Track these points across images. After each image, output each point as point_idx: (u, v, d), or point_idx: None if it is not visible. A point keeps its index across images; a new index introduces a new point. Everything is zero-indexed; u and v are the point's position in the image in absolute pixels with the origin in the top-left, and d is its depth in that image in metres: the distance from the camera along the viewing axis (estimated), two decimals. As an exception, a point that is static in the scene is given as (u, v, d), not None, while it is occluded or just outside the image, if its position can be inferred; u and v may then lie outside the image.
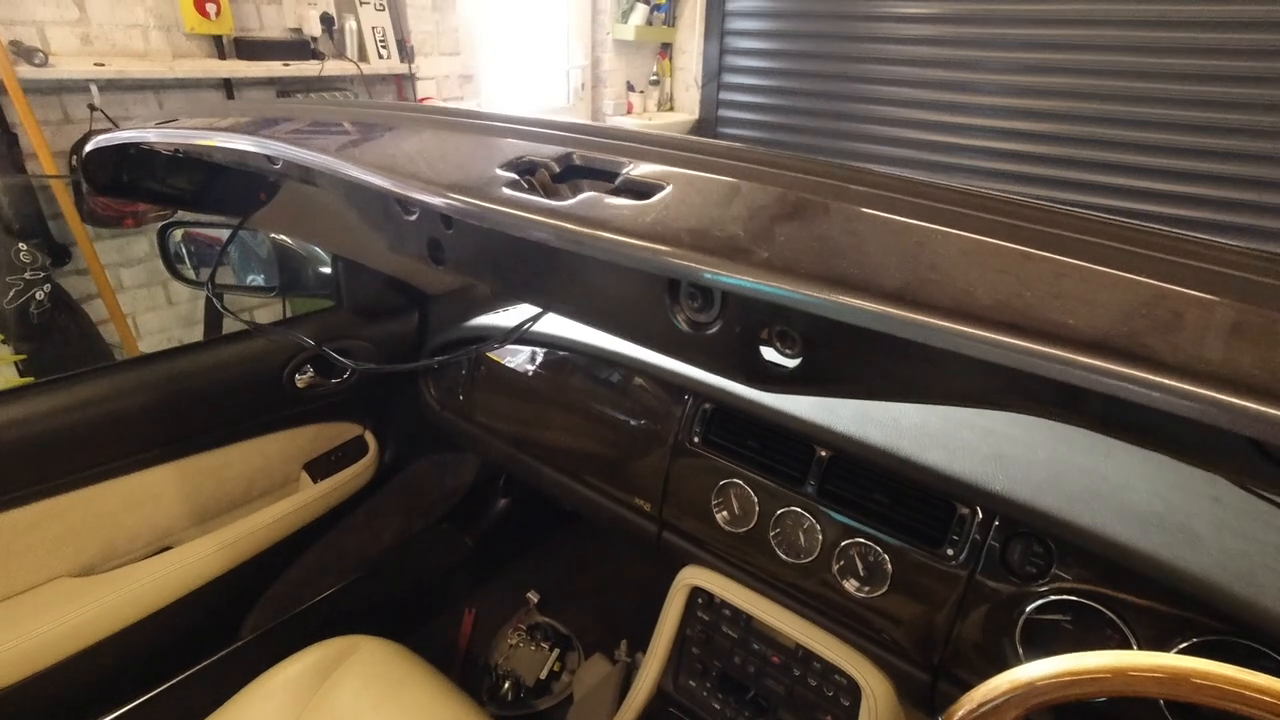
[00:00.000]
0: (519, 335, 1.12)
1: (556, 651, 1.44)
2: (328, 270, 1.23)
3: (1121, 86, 3.01)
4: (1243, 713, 0.38)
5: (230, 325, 2.43)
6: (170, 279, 2.58)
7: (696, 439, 0.98)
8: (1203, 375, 0.23)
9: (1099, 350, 0.25)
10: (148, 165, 0.85)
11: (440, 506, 1.56)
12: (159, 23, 2.34)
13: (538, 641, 1.47)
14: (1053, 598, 0.73)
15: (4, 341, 2.11)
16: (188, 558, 1.07)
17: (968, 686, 0.55)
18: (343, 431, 1.34)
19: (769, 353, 0.44)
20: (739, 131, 4.36)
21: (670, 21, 4.32)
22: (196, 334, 2.72)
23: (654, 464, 1.03)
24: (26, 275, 2.06)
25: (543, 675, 1.40)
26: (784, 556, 0.91)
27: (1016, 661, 0.74)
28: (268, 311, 2.74)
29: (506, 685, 1.38)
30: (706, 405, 0.98)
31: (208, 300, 2.61)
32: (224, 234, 1.21)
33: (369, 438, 1.37)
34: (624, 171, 0.42)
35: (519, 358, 1.22)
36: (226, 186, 0.92)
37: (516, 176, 0.43)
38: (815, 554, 0.88)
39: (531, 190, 0.41)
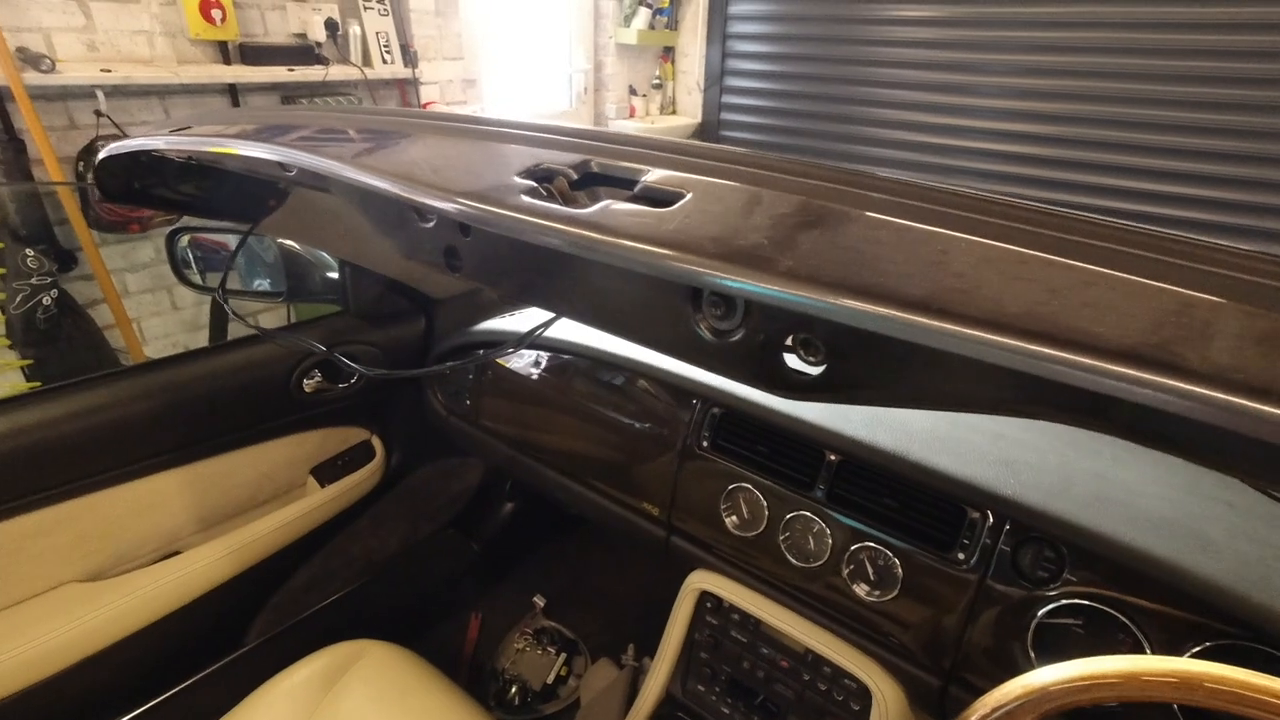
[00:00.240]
0: (531, 341, 1.12)
1: (563, 656, 1.44)
2: (334, 275, 1.23)
3: (1123, 89, 3.02)
4: (1258, 718, 0.38)
5: (236, 330, 2.44)
6: (175, 284, 2.59)
7: (705, 443, 0.98)
8: (1236, 384, 0.23)
9: (1131, 359, 0.25)
10: (159, 172, 0.86)
11: (446, 511, 1.56)
12: (164, 29, 2.35)
13: (544, 646, 1.46)
14: (1064, 602, 0.72)
15: (10, 347, 2.12)
16: (195, 563, 1.07)
17: (979, 691, 0.55)
18: (349, 436, 1.34)
19: (792, 360, 0.43)
20: (741, 135, 4.37)
21: (672, 25, 4.33)
22: (201, 339, 2.72)
23: (662, 468, 1.03)
24: (33, 281, 2.07)
25: (549, 680, 1.40)
26: (793, 561, 0.90)
27: (1028, 666, 0.74)
28: (271, 316, 2.74)
29: (513, 690, 1.38)
30: (715, 409, 0.98)
31: (213, 305, 2.62)
32: (230, 239, 1.21)
33: (375, 442, 1.37)
34: (642, 179, 0.42)
35: (525, 362, 1.22)
36: (236, 193, 0.92)
37: (535, 184, 0.43)
38: (825, 558, 0.88)
39: (550, 198, 0.41)
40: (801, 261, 0.32)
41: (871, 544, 0.84)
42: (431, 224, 0.55)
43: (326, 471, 1.29)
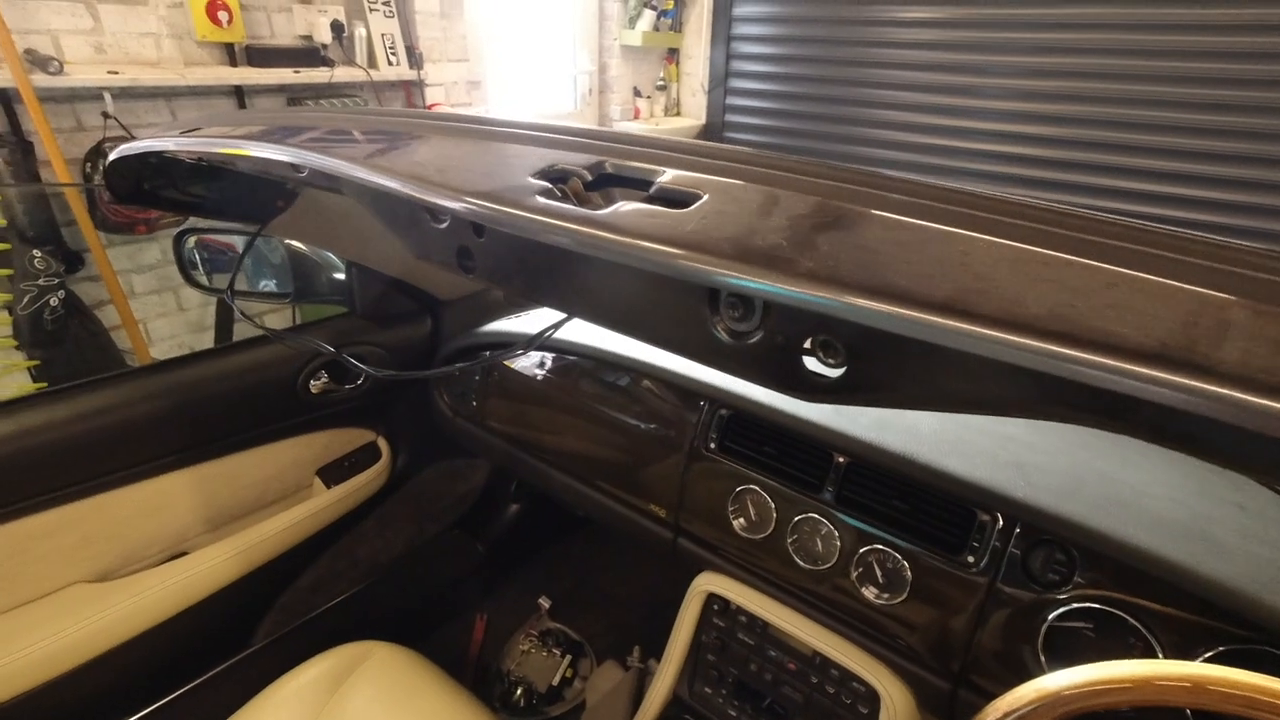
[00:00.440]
0: (540, 342, 1.12)
1: (568, 658, 1.44)
2: (341, 276, 1.23)
3: (1126, 90, 3.01)
4: None
5: (241, 331, 2.44)
6: (181, 285, 2.60)
7: (713, 445, 0.98)
8: (1262, 385, 0.23)
9: (1156, 361, 0.25)
10: (168, 173, 0.86)
11: (452, 512, 1.56)
12: (171, 31, 2.36)
13: (549, 647, 1.46)
14: (1075, 605, 0.72)
15: (17, 348, 2.13)
16: (202, 564, 1.07)
17: (988, 695, 0.55)
18: (355, 437, 1.34)
19: (811, 362, 0.43)
20: (746, 136, 4.37)
21: (677, 27, 4.33)
22: (207, 340, 2.73)
23: (669, 470, 1.02)
24: (40, 282, 2.08)
25: (555, 681, 1.40)
26: (801, 563, 0.90)
27: (1038, 670, 0.74)
28: (277, 317, 2.75)
29: (519, 692, 1.38)
30: (723, 411, 0.98)
31: (219, 306, 2.63)
32: (237, 240, 1.21)
33: (381, 443, 1.37)
34: (657, 180, 0.41)
35: (531, 364, 1.22)
36: (244, 194, 0.92)
37: (549, 185, 0.42)
38: (833, 560, 0.87)
39: (564, 199, 0.41)
40: (821, 262, 0.32)
41: (880, 546, 0.84)
42: (445, 225, 0.55)
43: (333, 472, 1.29)
